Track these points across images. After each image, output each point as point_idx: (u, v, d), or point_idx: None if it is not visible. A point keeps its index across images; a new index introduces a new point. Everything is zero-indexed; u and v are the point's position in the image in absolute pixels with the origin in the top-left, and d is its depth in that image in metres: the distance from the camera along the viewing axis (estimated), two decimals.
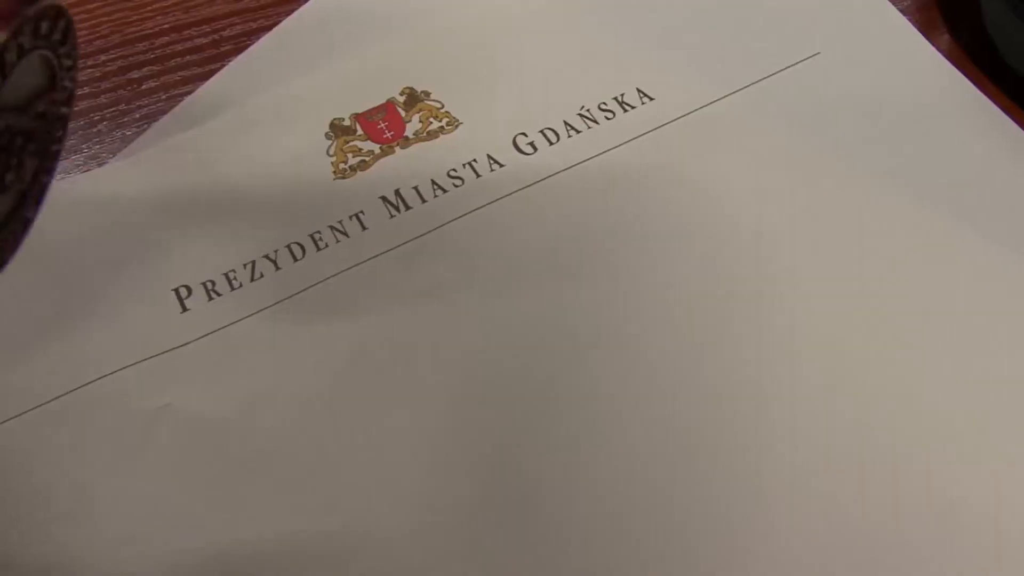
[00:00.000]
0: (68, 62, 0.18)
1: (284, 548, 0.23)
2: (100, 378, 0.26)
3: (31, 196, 0.19)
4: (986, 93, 0.32)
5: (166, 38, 0.34)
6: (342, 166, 0.30)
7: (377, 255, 0.28)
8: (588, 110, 0.31)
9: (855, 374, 0.25)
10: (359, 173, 0.30)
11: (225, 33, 0.34)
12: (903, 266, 0.27)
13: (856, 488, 0.23)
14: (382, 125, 0.31)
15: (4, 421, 0.25)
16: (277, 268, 0.28)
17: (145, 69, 0.34)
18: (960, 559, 0.22)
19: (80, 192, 0.29)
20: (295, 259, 0.28)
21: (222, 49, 0.34)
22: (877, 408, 0.24)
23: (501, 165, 0.29)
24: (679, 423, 0.24)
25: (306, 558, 0.23)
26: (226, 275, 0.28)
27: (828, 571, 0.22)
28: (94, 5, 0.35)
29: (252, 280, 0.27)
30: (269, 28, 0.34)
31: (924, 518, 0.23)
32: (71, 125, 0.20)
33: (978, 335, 0.26)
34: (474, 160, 0.30)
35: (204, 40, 0.34)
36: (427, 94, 0.31)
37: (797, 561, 0.22)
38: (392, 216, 0.29)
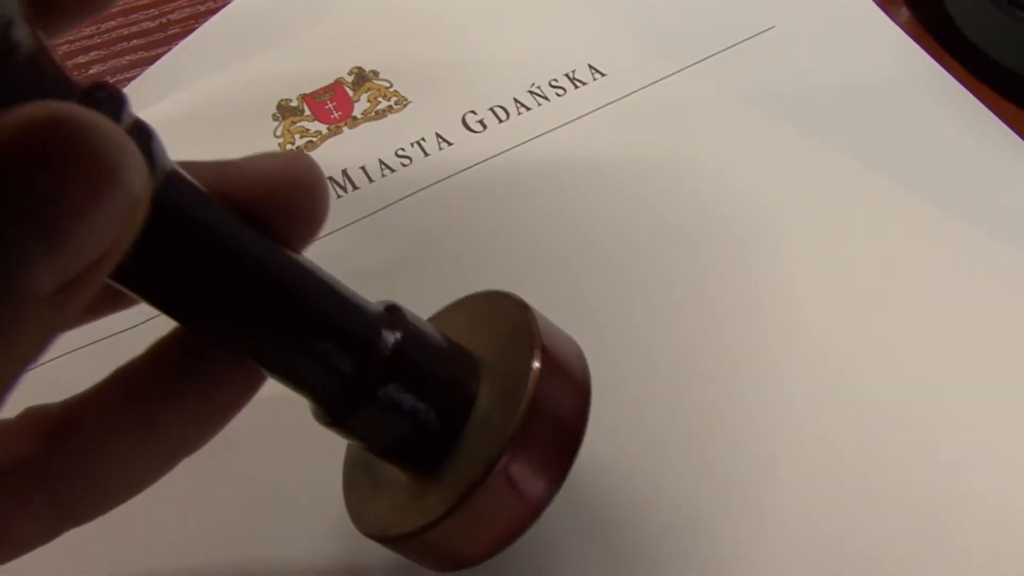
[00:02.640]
0: None
1: None
2: None
3: None
4: (945, 67, 0.31)
5: (113, 22, 0.34)
6: (289, 147, 0.29)
7: (325, 235, 0.27)
8: (539, 87, 0.30)
9: (807, 335, 0.25)
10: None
11: (172, 16, 0.34)
12: (860, 232, 0.27)
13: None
14: (330, 105, 0.30)
15: None
16: None
17: (92, 54, 0.33)
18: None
19: None
20: None
21: (169, 32, 0.33)
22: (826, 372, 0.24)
23: (450, 144, 0.29)
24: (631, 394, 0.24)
25: None
26: None
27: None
28: None
29: None
30: (216, 11, 0.33)
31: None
32: None
33: (933, 296, 0.25)
34: (422, 139, 0.29)
35: (151, 24, 0.34)
36: (376, 73, 0.31)
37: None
38: (339, 196, 0.28)
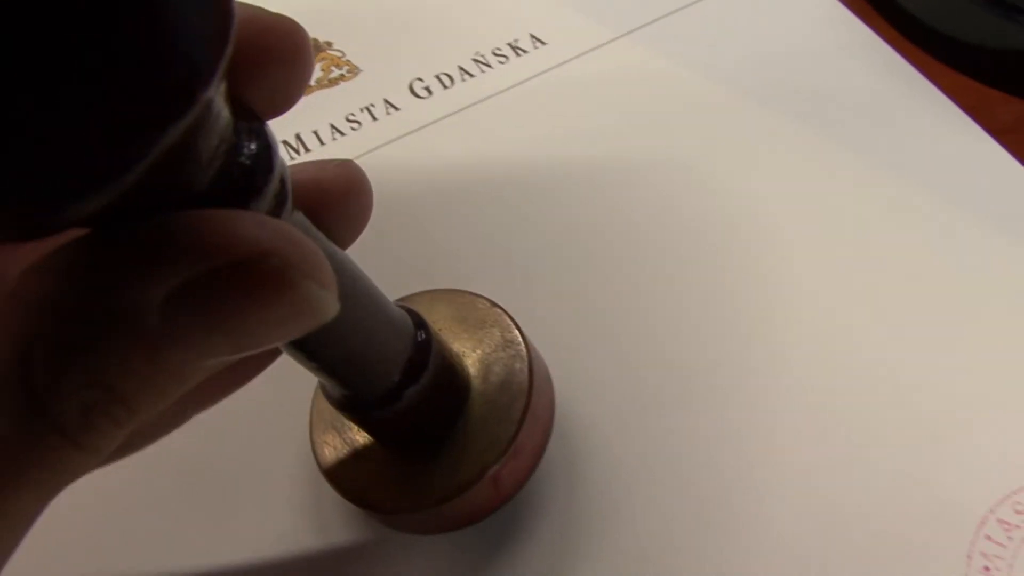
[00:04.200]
0: None
1: None
2: None
3: None
4: (873, 28, 0.33)
5: None
6: None
7: None
8: (482, 55, 0.32)
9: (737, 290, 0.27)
10: None
11: None
12: (794, 191, 0.29)
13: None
14: None
15: None
16: None
17: None
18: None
19: None
20: None
21: None
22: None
23: (397, 109, 0.31)
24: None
25: None
26: None
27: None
28: None
29: None
30: None
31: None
32: None
33: (857, 246, 0.27)
34: (372, 105, 0.31)
35: None
36: (329, 44, 0.33)
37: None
38: (292, 159, 0.30)
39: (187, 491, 0.24)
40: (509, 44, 0.33)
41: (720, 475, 0.24)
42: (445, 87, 0.32)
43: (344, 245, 0.18)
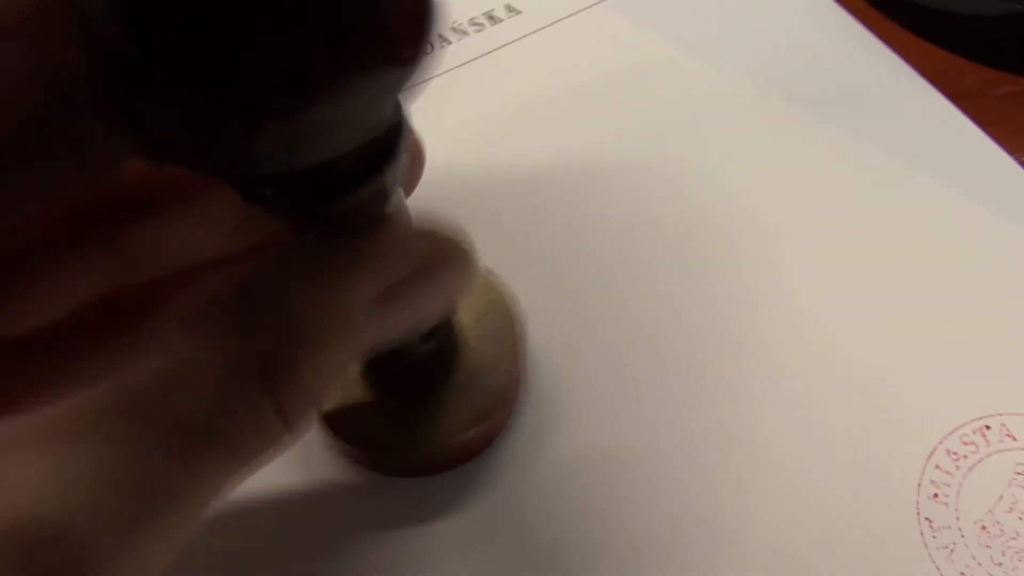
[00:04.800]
0: None
1: None
2: None
3: None
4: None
5: None
6: None
7: None
8: (459, 24, 0.34)
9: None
10: None
11: None
12: (754, 156, 0.30)
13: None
14: None
15: None
16: None
17: None
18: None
19: None
20: None
21: None
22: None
23: None
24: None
25: None
26: None
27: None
28: None
29: None
30: None
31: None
32: None
33: (826, 208, 0.29)
34: None
35: None
36: None
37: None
38: None
39: None
40: (485, 13, 0.34)
41: (692, 436, 0.25)
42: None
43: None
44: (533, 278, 0.27)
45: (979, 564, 0.22)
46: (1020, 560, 0.23)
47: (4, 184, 0.11)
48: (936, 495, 0.24)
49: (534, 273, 0.27)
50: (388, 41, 0.10)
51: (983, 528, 0.23)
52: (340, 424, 0.23)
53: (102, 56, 0.10)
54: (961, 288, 0.27)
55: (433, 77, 0.32)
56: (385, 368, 0.22)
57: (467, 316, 0.24)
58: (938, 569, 0.22)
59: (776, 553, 0.23)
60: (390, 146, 0.14)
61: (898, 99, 0.31)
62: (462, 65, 0.32)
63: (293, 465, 0.24)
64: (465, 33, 0.33)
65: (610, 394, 0.25)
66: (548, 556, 0.23)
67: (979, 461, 0.24)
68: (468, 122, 0.31)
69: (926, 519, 0.23)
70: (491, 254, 0.23)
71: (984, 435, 0.24)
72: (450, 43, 0.33)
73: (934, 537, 0.23)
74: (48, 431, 0.11)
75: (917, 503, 0.23)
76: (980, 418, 0.25)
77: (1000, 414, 0.25)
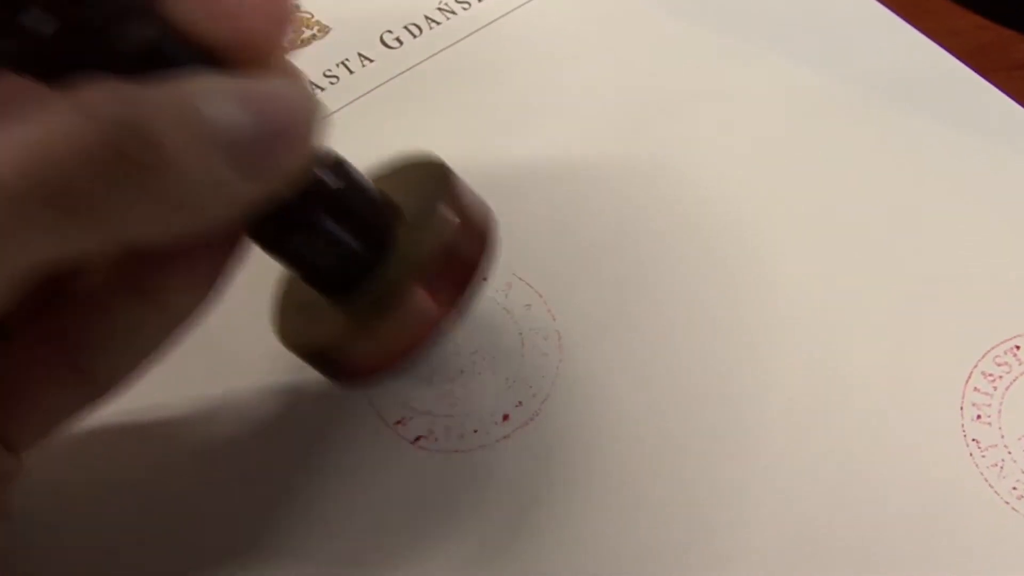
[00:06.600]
0: None
1: None
2: None
3: None
4: None
5: None
6: None
7: None
8: (447, 4, 0.33)
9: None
10: None
11: None
12: (762, 147, 0.30)
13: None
14: None
15: None
16: None
17: None
18: None
19: None
20: None
21: None
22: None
23: (371, 60, 0.32)
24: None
25: None
26: None
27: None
28: None
29: None
30: None
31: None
32: None
33: (840, 179, 0.29)
34: (347, 59, 0.32)
35: None
36: (296, 7, 0.33)
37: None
38: None
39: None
40: None
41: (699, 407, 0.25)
42: (414, 36, 0.32)
43: None
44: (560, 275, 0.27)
45: None
46: None
47: None
48: (979, 416, 0.24)
49: (561, 271, 0.27)
50: None
51: None
52: (294, 337, 0.22)
53: None
54: (980, 217, 0.27)
55: (427, 59, 0.32)
56: (301, 252, 0.20)
57: (407, 198, 0.22)
58: (991, 487, 0.23)
59: (835, 490, 0.23)
60: None
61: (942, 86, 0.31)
62: (455, 44, 0.32)
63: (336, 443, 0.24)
64: (453, 12, 0.33)
65: (620, 384, 0.25)
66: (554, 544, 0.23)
67: (1015, 379, 0.25)
68: (468, 101, 0.31)
69: (973, 440, 0.24)
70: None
71: (1015, 354, 0.25)
72: (438, 24, 0.33)
73: (983, 456, 0.23)
74: None
75: (962, 426, 0.24)
76: (1010, 339, 0.25)
77: None
